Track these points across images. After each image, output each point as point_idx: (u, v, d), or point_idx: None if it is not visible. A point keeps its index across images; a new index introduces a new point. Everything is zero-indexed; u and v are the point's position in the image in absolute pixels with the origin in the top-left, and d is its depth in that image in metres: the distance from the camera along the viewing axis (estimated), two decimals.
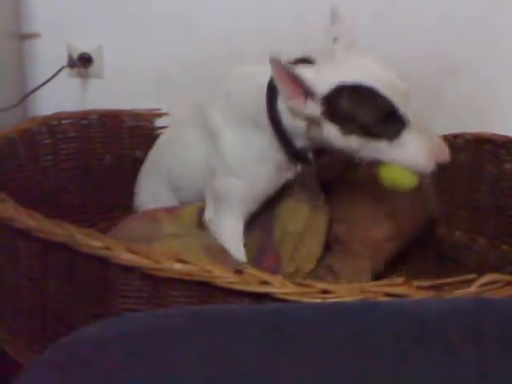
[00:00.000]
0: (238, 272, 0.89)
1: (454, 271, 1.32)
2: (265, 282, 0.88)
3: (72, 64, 1.64)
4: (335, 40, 1.07)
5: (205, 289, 0.90)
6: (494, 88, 1.56)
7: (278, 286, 0.87)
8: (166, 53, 1.59)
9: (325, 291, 0.87)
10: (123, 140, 1.47)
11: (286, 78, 1.00)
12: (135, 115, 1.49)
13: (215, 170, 1.16)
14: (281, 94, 1.03)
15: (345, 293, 0.86)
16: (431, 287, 0.86)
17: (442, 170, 1.38)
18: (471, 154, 1.46)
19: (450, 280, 0.87)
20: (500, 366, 0.45)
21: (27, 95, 1.57)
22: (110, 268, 0.94)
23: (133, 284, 0.94)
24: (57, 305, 1.03)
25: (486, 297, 0.80)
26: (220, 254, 1.13)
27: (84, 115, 1.44)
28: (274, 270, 1.17)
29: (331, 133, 1.04)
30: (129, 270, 0.92)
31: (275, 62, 0.98)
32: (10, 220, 1.00)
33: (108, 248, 0.92)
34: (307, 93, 1.01)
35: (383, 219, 1.25)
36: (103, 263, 0.94)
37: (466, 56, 1.47)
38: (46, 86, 1.58)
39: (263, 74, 1.07)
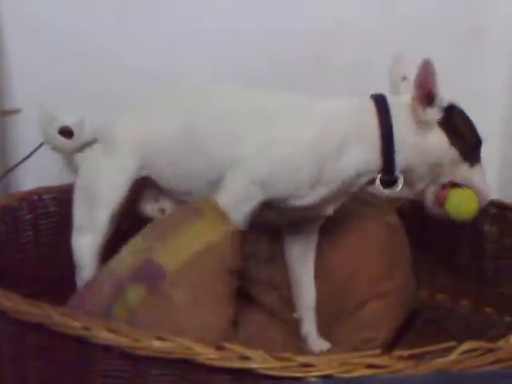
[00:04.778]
0: (219, 348, 0.89)
1: (437, 336, 1.32)
2: (245, 358, 0.87)
3: None
4: (404, 79, 1.20)
5: (186, 366, 0.90)
6: None
7: (259, 361, 0.87)
8: None
9: (306, 365, 0.87)
10: None
11: (425, 81, 1.11)
12: None
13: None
14: (413, 95, 1.13)
15: (326, 366, 0.86)
16: (411, 357, 0.86)
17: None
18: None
19: (430, 349, 0.87)
20: None
21: (9, 171, 1.58)
22: (90, 348, 0.93)
23: (113, 363, 0.93)
24: None
25: (459, 371, 0.80)
26: None
27: (65, 189, 1.44)
28: None
29: (438, 141, 1.15)
30: (108, 349, 0.92)
31: (428, 61, 1.10)
32: None
33: (86, 328, 0.91)
34: (429, 100, 1.13)
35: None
36: (82, 343, 0.93)
37: None
38: (27, 160, 1.59)
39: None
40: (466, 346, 0.87)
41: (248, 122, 1.17)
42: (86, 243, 1.25)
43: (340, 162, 1.14)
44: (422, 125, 1.15)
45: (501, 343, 0.89)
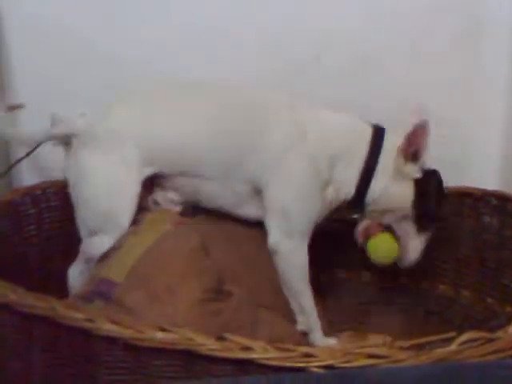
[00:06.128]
0: (221, 338, 0.90)
1: (439, 327, 1.33)
2: (247, 348, 0.88)
3: None
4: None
5: (187, 357, 0.91)
6: (470, 143, 1.60)
7: (260, 352, 0.88)
8: None
9: (307, 355, 0.87)
10: None
11: (415, 139, 1.19)
12: None
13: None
14: (401, 146, 1.21)
15: (327, 356, 0.87)
16: (412, 347, 0.87)
17: None
18: (451, 208, 1.48)
19: (431, 339, 0.88)
20: None
21: (12, 166, 1.58)
22: (93, 339, 0.94)
23: (116, 355, 0.94)
24: (43, 378, 1.02)
25: (459, 361, 0.80)
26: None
27: (67, 184, 1.45)
28: None
29: (404, 195, 1.22)
30: (111, 340, 0.93)
31: (425, 122, 1.17)
32: None
33: (90, 320, 0.92)
34: (413, 157, 1.21)
35: None
36: (86, 335, 0.94)
37: (442, 114, 1.49)
38: (30, 155, 1.59)
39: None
40: (466, 336, 0.88)
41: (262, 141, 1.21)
42: (102, 243, 1.22)
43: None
44: (400, 174, 1.22)
45: (500, 333, 0.89)
